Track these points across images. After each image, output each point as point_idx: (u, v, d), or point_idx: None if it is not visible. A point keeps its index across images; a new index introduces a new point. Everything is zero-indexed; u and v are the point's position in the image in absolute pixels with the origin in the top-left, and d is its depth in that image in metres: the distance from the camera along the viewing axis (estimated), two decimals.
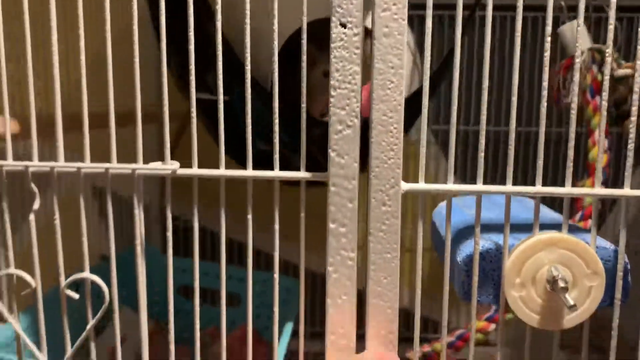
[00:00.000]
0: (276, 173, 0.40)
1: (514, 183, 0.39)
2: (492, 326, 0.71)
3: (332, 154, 0.38)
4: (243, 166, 0.41)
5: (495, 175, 1.08)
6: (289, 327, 0.69)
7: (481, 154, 0.39)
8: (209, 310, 0.72)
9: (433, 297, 1.13)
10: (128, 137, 0.42)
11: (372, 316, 0.39)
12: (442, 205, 0.62)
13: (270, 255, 0.79)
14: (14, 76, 0.41)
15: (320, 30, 0.55)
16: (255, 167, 0.41)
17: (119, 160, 0.40)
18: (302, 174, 0.40)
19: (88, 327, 0.41)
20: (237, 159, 0.61)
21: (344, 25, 0.36)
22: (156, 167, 0.40)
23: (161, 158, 0.40)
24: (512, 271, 0.39)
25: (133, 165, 0.39)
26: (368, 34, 0.63)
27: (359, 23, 0.36)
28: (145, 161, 0.40)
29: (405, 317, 1.15)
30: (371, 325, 0.40)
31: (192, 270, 0.41)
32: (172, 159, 0.40)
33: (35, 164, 0.40)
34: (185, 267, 0.77)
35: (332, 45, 0.37)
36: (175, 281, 0.44)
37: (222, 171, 0.40)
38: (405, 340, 0.87)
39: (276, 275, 0.41)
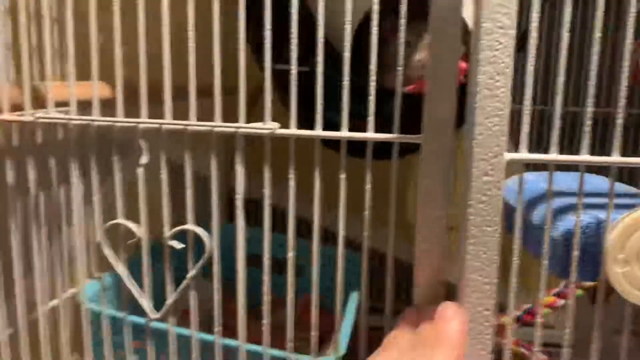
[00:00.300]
0: (370, 135, 0.40)
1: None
2: (561, 302, 0.69)
3: (427, 113, 0.38)
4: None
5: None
6: (353, 300, 0.70)
7: (588, 122, 0.37)
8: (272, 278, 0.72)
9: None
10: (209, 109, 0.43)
11: (468, 292, 0.38)
12: (511, 180, 0.60)
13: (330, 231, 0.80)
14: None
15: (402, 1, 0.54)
16: (332, 143, 0.42)
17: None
18: (394, 135, 0.40)
19: (189, 275, 0.44)
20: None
21: None
22: (257, 126, 0.41)
23: None
24: (615, 247, 0.37)
25: (236, 124, 0.41)
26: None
27: None
28: None
29: None
30: (467, 301, 0.38)
31: (260, 240, 0.42)
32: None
33: (145, 121, 0.42)
34: (251, 237, 0.78)
35: (432, 7, 0.36)
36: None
37: (318, 132, 0.41)
38: None
39: (365, 236, 0.42)
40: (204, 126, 0.42)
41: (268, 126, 0.41)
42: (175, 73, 0.42)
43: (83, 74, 0.45)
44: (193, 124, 0.42)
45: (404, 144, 0.40)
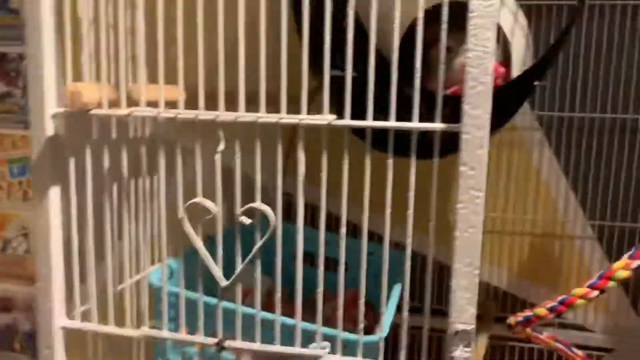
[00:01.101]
0: (414, 124, 0.48)
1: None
2: (595, 293, 0.73)
3: (466, 106, 0.45)
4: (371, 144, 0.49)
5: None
6: (396, 290, 0.75)
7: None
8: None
9: (531, 281, 1.15)
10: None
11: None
12: None
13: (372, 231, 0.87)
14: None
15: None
16: (381, 144, 0.48)
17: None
18: (437, 125, 0.47)
19: (256, 247, 0.51)
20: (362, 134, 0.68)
21: None
22: (316, 118, 0.49)
23: None
24: None
25: (299, 116, 0.49)
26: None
27: None
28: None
29: (504, 298, 1.18)
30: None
31: (311, 239, 0.49)
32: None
33: (222, 114, 0.50)
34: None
35: (470, 15, 0.44)
36: (290, 247, 0.51)
37: (369, 122, 0.48)
38: (503, 319, 0.90)
39: (408, 238, 0.48)
40: (271, 118, 0.49)
41: (326, 117, 0.49)
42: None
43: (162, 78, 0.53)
44: (263, 115, 0.50)
45: (446, 143, 0.47)
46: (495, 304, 1.19)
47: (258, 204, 0.51)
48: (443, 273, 1.18)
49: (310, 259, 0.56)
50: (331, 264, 0.87)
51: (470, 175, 0.46)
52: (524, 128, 1.12)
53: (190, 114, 0.51)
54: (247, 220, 0.51)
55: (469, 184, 0.46)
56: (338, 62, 0.80)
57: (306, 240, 0.51)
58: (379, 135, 0.50)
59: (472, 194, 0.46)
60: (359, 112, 0.54)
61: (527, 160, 1.13)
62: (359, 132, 0.50)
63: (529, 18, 0.98)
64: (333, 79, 0.73)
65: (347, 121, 0.49)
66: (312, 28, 0.56)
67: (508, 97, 0.71)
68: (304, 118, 0.49)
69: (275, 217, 0.50)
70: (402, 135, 0.57)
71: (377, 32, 0.51)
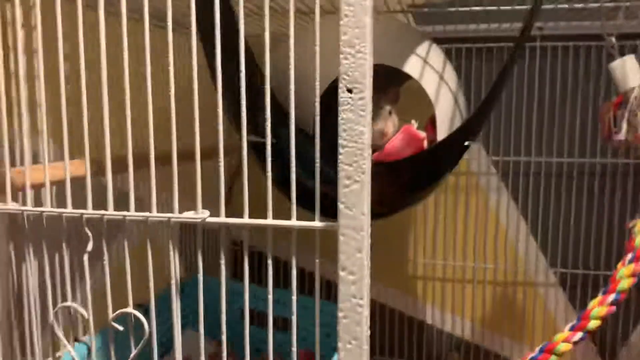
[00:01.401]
0: (292, 223, 0.43)
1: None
2: None
3: (341, 206, 0.41)
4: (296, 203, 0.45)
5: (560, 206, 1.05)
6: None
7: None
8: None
9: (495, 331, 1.11)
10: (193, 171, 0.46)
11: None
12: None
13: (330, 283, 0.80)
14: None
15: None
16: (306, 204, 0.45)
17: (188, 189, 0.45)
18: (316, 224, 0.43)
19: (131, 356, 0.46)
20: (288, 196, 0.65)
21: (350, 91, 0.39)
22: (189, 216, 0.44)
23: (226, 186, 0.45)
24: None
25: (169, 215, 0.45)
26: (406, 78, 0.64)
27: (364, 88, 0.39)
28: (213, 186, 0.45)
29: (467, 349, 1.13)
30: None
31: (259, 297, 0.45)
32: (229, 195, 0.45)
33: (89, 212, 0.46)
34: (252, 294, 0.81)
35: (340, 108, 0.40)
36: (236, 304, 0.46)
37: (245, 220, 0.44)
38: None
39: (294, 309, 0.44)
40: (140, 217, 0.45)
41: (199, 215, 0.44)
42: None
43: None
44: (131, 214, 0.45)
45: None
46: (457, 355, 1.14)
47: (130, 310, 0.46)
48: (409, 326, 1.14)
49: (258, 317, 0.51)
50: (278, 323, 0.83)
51: (350, 281, 0.41)
52: (480, 173, 1.08)
53: (55, 211, 0.47)
54: (119, 327, 0.46)
55: (350, 291, 0.41)
56: (259, 127, 0.77)
57: (257, 299, 0.47)
58: (305, 199, 0.46)
59: (353, 302, 0.41)
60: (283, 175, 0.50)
61: (485, 206, 1.09)
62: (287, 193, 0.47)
63: (480, 59, 0.96)
64: (257, 144, 0.69)
65: (222, 219, 0.45)
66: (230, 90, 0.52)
67: (434, 160, 0.67)
68: (174, 216, 0.45)
69: (149, 324, 0.46)
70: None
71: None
